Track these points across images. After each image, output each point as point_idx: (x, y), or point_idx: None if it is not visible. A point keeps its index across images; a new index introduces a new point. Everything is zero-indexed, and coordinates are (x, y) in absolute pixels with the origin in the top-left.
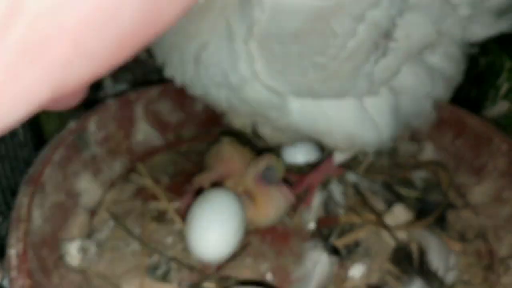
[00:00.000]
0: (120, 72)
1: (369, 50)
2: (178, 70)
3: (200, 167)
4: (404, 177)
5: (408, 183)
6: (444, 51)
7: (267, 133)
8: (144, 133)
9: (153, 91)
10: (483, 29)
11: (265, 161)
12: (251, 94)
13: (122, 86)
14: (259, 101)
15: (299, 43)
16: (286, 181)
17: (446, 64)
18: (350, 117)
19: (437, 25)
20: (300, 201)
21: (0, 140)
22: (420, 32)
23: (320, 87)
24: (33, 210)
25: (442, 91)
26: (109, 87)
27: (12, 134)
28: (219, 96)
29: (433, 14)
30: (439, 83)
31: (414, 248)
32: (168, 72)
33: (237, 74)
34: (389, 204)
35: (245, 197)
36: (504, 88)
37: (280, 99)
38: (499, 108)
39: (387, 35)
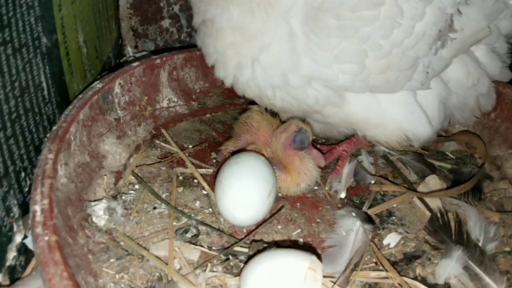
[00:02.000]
0: (142, 40)
1: (433, 38)
2: (232, 72)
3: (223, 136)
4: (436, 149)
5: (441, 155)
6: (491, 47)
7: (318, 128)
8: (168, 99)
9: (178, 57)
10: None
11: (295, 125)
12: (309, 93)
13: (143, 55)
14: (316, 99)
15: (359, 21)
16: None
17: (491, 58)
18: (404, 112)
19: (490, 20)
20: (331, 170)
21: (25, 94)
22: (474, 26)
23: (377, 78)
24: (58, 168)
25: (486, 85)
26: (131, 55)
27: (36, 88)
28: (275, 97)
29: (487, 9)
30: (484, 78)
31: (451, 217)
32: (219, 74)
33: (297, 74)
34: (422, 176)
35: (276, 163)
36: None
37: (338, 95)
38: None
39: (451, 24)
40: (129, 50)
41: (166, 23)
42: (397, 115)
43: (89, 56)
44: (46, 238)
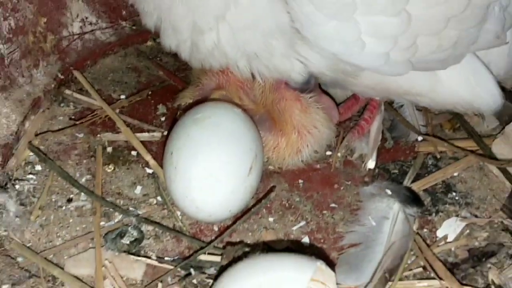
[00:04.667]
0: None
1: None
2: (187, 39)
3: (176, 77)
4: None
5: None
6: None
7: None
8: (81, 20)
9: None
10: None
11: None
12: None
13: None
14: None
15: None
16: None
17: None
18: (464, 81)
19: None
20: (352, 127)
21: None
22: None
23: (428, 42)
24: None
25: None
26: None
27: None
28: (250, 67)
29: None
30: None
31: None
32: (168, 42)
33: (286, 35)
34: (503, 122)
35: (260, 118)
36: None
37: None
38: None
39: None
40: None
41: None
42: (453, 84)
43: None
44: None
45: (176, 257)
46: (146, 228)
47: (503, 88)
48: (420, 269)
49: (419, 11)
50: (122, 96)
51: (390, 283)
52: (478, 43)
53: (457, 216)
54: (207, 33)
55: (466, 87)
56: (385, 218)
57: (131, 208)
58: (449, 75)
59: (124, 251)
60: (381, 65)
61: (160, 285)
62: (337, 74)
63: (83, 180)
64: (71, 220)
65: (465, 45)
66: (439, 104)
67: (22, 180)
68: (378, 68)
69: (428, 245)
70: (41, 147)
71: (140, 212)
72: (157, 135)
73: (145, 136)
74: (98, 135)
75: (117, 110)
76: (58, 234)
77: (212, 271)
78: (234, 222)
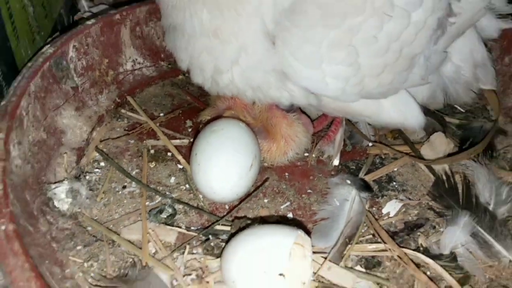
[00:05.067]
0: None
1: (433, 28)
2: (210, 77)
3: (199, 100)
4: None
5: (449, 108)
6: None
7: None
8: (132, 61)
9: (141, 10)
10: None
11: None
12: (292, 93)
13: (100, 9)
14: (303, 102)
15: (347, 8)
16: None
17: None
18: (397, 107)
19: (485, 1)
20: (323, 135)
21: None
22: (470, 9)
23: (372, 81)
24: (10, 148)
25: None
26: (86, 9)
27: None
28: (254, 96)
29: None
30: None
31: (458, 180)
32: (197, 79)
33: (279, 76)
34: (429, 132)
35: (258, 129)
36: None
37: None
38: None
39: (450, 10)
40: (84, 4)
41: None
42: (390, 111)
43: (36, 15)
44: (3, 227)
45: (199, 227)
46: (178, 206)
47: (427, 109)
48: (370, 236)
49: (365, 61)
50: (161, 114)
51: (349, 245)
52: (408, 82)
53: (396, 199)
54: (225, 73)
55: (399, 113)
56: (346, 200)
57: (167, 193)
58: (388, 104)
59: (162, 223)
60: (339, 95)
61: (187, 246)
62: (311, 101)
63: (134, 172)
64: (125, 201)
65: (398, 83)
66: (381, 123)
67: (90, 173)
68: (338, 97)
69: (376, 219)
70: (104, 150)
71: (173, 196)
72: (185, 141)
73: (177, 142)
74: (144, 141)
75: (157, 124)
76: (116, 211)
77: (224, 237)
78: (240, 203)
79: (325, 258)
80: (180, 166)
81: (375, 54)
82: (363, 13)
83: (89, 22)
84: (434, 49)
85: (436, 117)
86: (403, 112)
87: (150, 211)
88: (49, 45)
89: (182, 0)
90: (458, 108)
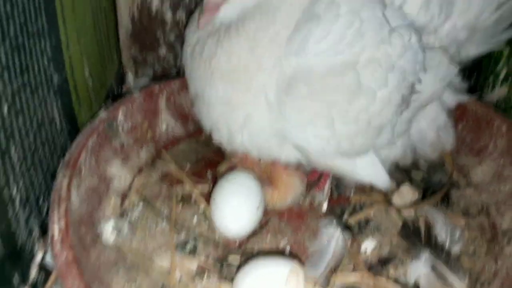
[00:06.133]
0: (141, 68)
1: (397, 104)
2: (226, 137)
3: (218, 155)
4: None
5: (414, 165)
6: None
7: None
8: (167, 123)
9: (175, 84)
10: (477, 48)
11: None
12: (288, 152)
13: (143, 81)
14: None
15: (327, 88)
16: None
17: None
18: (367, 169)
19: (444, 82)
20: (314, 185)
21: (41, 128)
22: (430, 88)
23: (346, 143)
24: (71, 191)
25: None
26: (132, 82)
27: (51, 122)
28: (259, 154)
29: (441, 73)
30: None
31: (421, 223)
32: (216, 138)
33: (277, 139)
34: (398, 184)
35: (264, 180)
36: (503, 74)
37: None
38: (498, 93)
39: (413, 87)
40: (130, 77)
41: (163, 51)
42: (362, 171)
43: (94, 87)
44: (65, 254)
45: (215, 258)
46: (199, 241)
47: (397, 165)
48: (351, 266)
49: (340, 128)
50: (188, 165)
51: (334, 274)
52: (377, 145)
53: (372, 237)
54: (236, 135)
55: (369, 174)
56: (332, 238)
57: (191, 230)
58: (360, 166)
59: (187, 253)
60: (321, 153)
61: (206, 273)
62: (302, 157)
63: (165, 212)
64: (157, 236)
65: (369, 145)
66: (356, 180)
67: (131, 212)
68: (320, 154)
69: (356, 254)
70: (143, 194)
71: (196, 232)
72: (206, 188)
73: (200, 187)
74: (174, 188)
75: (185, 173)
76: (150, 243)
77: (235, 265)
78: (248, 238)
79: (315, 284)
80: (202, 208)
81: (348, 123)
82: (338, 91)
83: (135, 93)
84: (399, 120)
85: (404, 172)
86: (372, 173)
87: (177, 244)
88: (103, 111)
89: (204, 76)
90: (421, 165)
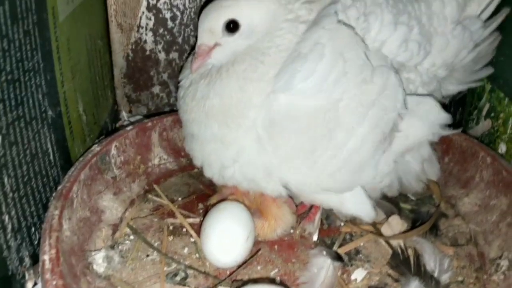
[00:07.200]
0: (135, 106)
1: (378, 139)
2: (218, 172)
3: (210, 188)
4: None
5: (403, 196)
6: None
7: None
8: (159, 157)
9: (167, 120)
10: (457, 86)
11: None
12: (274, 186)
13: (137, 119)
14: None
15: (310, 128)
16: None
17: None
18: (354, 203)
19: (434, 129)
20: (305, 216)
21: (34, 160)
22: (420, 133)
23: (327, 179)
24: (63, 222)
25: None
26: (126, 119)
27: (44, 154)
28: (249, 186)
29: (431, 120)
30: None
31: (410, 253)
32: (207, 173)
33: (265, 172)
34: (388, 215)
35: (254, 211)
36: (486, 108)
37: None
38: (482, 126)
39: (394, 125)
40: (124, 115)
41: (156, 89)
42: (348, 206)
43: (88, 122)
44: (54, 282)
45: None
46: (189, 271)
47: (386, 196)
48: None
49: (321, 164)
50: (179, 198)
51: None
52: (361, 182)
53: (362, 267)
54: (228, 169)
55: (355, 208)
56: (322, 268)
57: (181, 260)
58: (347, 200)
59: (177, 284)
60: (302, 187)
61: None
62: (291, 191)
63: (156, 244)
64: (148, 266)
65: (352, 182)
66: (342, 213)
67: (122, 244)
68: (302, 189)
69: (346, 284)
70: (134, 226)
71: (186, 263)
72: (197, 220)
73: (190, 220)
74: (165, 220)
75: (176, 206)
76: (140, 274)
77: None
78: (237, 268)
79: None
80: (192, 240)
81: (329, 159)
82: (318, 127)
83: (127, 128)
84: (383, 160)
85: (393, 203)
86: (358, 208)
87: (167, 274)
88: (96, 145)
89: (199, 117)
90: (410, 196)
